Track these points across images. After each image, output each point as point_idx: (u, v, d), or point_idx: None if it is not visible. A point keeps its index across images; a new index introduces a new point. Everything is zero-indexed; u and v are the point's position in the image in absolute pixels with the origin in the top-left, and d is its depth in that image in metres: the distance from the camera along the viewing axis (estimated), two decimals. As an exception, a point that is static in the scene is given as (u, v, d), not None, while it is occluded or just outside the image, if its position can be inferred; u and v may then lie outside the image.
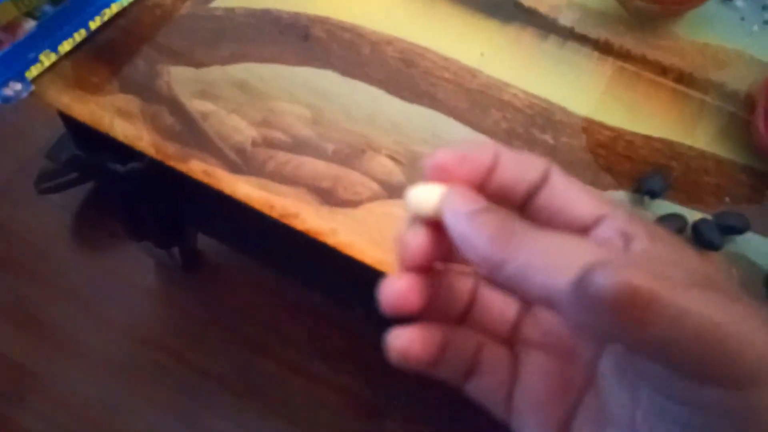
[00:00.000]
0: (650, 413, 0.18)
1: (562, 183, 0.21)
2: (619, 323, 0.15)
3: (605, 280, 0.14)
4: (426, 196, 0.20)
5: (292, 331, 0.98)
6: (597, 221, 0.19)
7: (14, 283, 1.00)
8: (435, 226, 0.20)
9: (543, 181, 0.21)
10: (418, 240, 0.20)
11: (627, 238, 0.19)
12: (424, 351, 0.20)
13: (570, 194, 0.20)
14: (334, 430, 0.91)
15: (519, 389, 0.21)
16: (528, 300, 0.19)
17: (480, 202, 0.19)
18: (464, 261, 0.21)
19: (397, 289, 0.20)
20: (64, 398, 0.93)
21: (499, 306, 0.23)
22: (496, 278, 0.18)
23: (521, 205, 0.21)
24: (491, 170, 0.20)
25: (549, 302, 0.17)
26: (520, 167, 0.21)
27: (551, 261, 0.17)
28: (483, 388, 0.22)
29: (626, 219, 0.19)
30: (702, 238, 0.41)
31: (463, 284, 0.23)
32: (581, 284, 0.15)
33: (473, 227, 0.18)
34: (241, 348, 0.97)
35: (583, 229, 0.20)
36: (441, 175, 0.20)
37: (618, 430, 0.19)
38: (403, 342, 0.20)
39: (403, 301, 0.20)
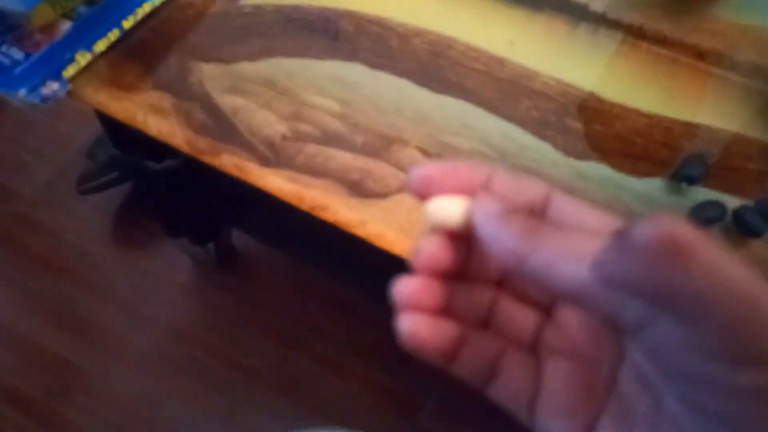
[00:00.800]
0: (678, 412, 0.17)
1: (567, 204, 0.21)
2: (657, 270, 0.15)
3: (648, 230, 0.15)
4: (447, 207, 0.21)
5: (326, 326, 0.98)
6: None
7: (56, 283, 1.03)
8: (452, 236, 0.21)
9: (545, 203, 0.21)
10: (433, 246, 0.21)
11: None
12: (435, 340, 0.21)
13: (579, 214, 0.21)
14: (368, 424, 0.91)
15: (542, 395, 0.22)
16: (553, 292, 0.19)
17: (508, 207, 0.20)
18: (482, 271, 0.23)
19: (410, 289, 0.21)
20: (107, 393, 0.95)
21: (520, 314, 0.23)
22: (524, 270, 0.18)
23: None
24: (485, 187, 0.21)
25: (573, 289, 0.17)
26: (516, 188, 0.21)
27: (575, 250, 0.18)
28: (505, 393, 0.22)
29: None
30: (743, 225, 0.39)
31: (482, 293, 0.23)
32: (622, 236, 0.15)
33: (503, 225, 0.19)
34: (277, 343, 0.98)
35: None
36: (427, 187, 0.21)
37: None
38: (411, 325, 0.21)
39: (416, 301, 0.21)
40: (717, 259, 0.15)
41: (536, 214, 0.21)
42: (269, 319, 0.99)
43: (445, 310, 0.21)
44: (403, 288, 0.21)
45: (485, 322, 0.23)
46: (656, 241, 0.15)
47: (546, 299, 0.23)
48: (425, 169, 0.21)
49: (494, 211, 0.20)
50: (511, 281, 0.23)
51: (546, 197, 0.21)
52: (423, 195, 0.21)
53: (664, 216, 0.15)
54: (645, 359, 0.19)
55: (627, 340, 0.20)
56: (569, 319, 0.22)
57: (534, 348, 0.23)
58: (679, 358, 0.16)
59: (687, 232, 0.15)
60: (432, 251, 0.21)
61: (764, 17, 0.48)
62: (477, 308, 0.23)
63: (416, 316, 0.21)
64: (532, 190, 0.21)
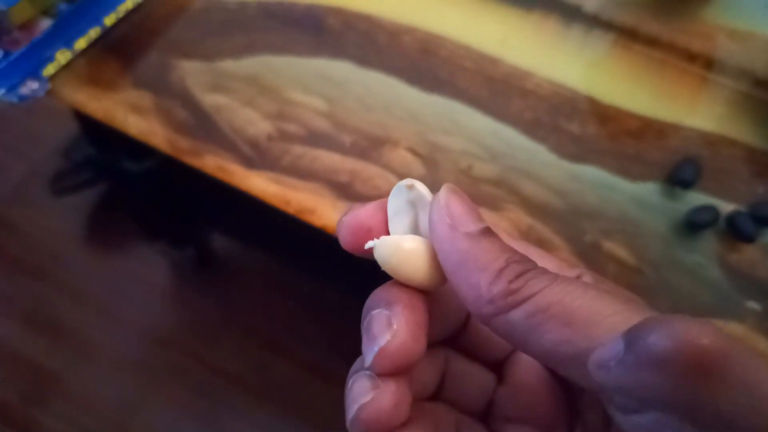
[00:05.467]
0: None
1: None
2: (678, 386, 0.12)
3: (667, 338, 0.12)
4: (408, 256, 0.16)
5: (310, 330, 0.97)
6: None
7: (30, 286, 1.00)
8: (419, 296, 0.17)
9: None
10: (404, 337, 0.16)
11: None
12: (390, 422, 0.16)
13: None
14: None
15: None
16: (531, 354, 0.15)
17: (482, 219, 0.16)
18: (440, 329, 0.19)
19: (384, 411, 0.16)
20: (84, 398, 0.93)
21: (472, 377, 0.20)
22: (498, 325, 0.15)
23: None
24: None
25: (567, 361, 0.14)
26: None
27: (580, 313, 0.14)
28: None
29: (598, 281, 0.18)
30: (736, 230, 0.39)
31: (437, 357, 0.20)
32: (633, 343, 0.13)
33: (476, 253, 0.15)
34: (259, 348, 0.96)
35: None
36: (364, 238, 0.17)
37: None
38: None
39: (390, 421, 0.16)
40: (751, 373, 0.12)
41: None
42: (251, 323, 0.98)
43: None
44: (371, 411, 0.16)
45: (436, 391, 0.20)
46: (678, 354, 0.12)
47: (498, 356, 0.20)
48: (357, 216, 0.18)
49: (465, 229, 0.15)
50: (463, 337, 0.20)
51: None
52: (356, 248, 0.18)
53: (683, 318, 0.12)
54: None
55: (587, 407, 0.17)
56: (523, 379, 0.19)
57: (486, 416, 0.20)
58: None
59: (714, 340, 0.12)
60: (403, 343, 0.16)
61: (750, 21, 0.48)
62: (433, 378, 0.19)
63: (379, 399, 0.16)
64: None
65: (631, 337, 0.13)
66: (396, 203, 0.18)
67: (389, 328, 0.16)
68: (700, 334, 0.12)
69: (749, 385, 0.12)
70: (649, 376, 0.12)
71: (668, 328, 0.12)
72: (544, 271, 0.15)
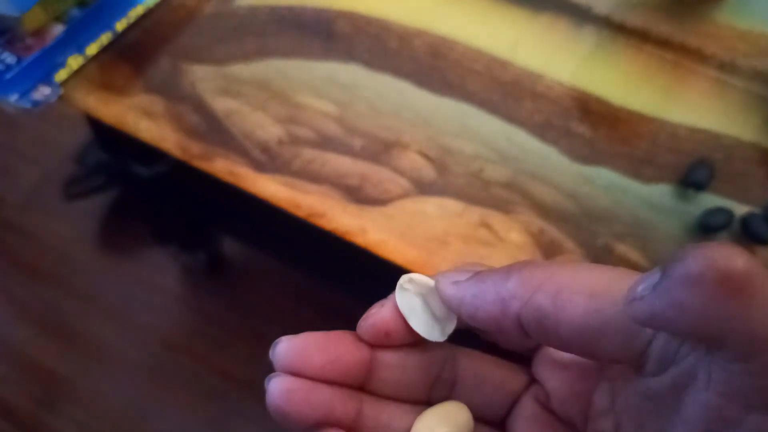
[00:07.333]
0: None
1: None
2: (710, 306, 0.13)
3: (701, 260, 0.13)
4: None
5: (319, 334, 0.97)
6: None
7: (42, 291, 1.01)
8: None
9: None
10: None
11: None
12: None
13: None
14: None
15: None
16: (564, 338, 0.16)
17: (474, 268, 0.18)
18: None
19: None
20: (95, 403, 0.93)
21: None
22: (529, 314, 0.16)
23: None
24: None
25: (598, 333, 0.15)
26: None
27: (597, 284, 0.15)
28: None
29: None
30: (751, 233, 0.39)
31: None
32: (670, 268, 0.13)
33: (484, 279, 0.17)
34: (269, 353, 0.96)
35: None
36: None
37: None
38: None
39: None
40: None
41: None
42: (261, 327, 0.98)
43: None
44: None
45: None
46: (712, 272, 0.13)
47: (498, 413, 0.20)
48: (378, 319, 0.19)
49: (464, 277, 0.18)
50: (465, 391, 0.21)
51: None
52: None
53: (718, 243, 0.13)
54: (636, 412, 0.17)
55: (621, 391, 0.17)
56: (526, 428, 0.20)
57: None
58: (705, 403, 0.14)
59: (745, 261, 0.13)
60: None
61: (763, 22, 0.48)
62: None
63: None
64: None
65: (668, 264, 0.14)
66: (405, 301, 0.19)
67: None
68: (733, 255, 0.13)
69: None
70: (682, 294, 0.13)
71: (704, 251, 0.13)
72: (548, 262, 0.17)
